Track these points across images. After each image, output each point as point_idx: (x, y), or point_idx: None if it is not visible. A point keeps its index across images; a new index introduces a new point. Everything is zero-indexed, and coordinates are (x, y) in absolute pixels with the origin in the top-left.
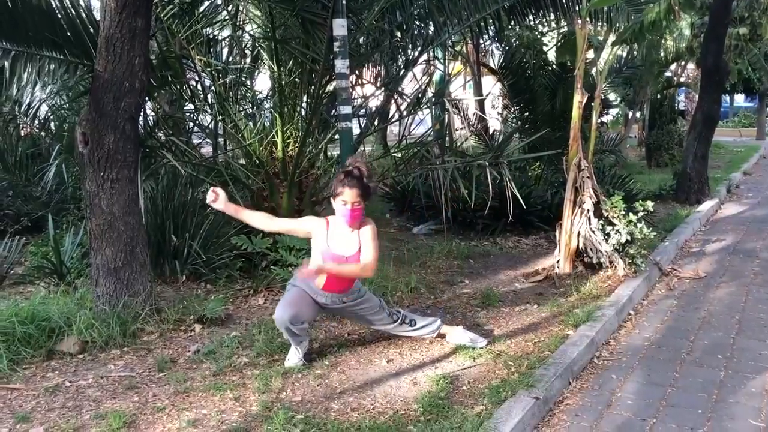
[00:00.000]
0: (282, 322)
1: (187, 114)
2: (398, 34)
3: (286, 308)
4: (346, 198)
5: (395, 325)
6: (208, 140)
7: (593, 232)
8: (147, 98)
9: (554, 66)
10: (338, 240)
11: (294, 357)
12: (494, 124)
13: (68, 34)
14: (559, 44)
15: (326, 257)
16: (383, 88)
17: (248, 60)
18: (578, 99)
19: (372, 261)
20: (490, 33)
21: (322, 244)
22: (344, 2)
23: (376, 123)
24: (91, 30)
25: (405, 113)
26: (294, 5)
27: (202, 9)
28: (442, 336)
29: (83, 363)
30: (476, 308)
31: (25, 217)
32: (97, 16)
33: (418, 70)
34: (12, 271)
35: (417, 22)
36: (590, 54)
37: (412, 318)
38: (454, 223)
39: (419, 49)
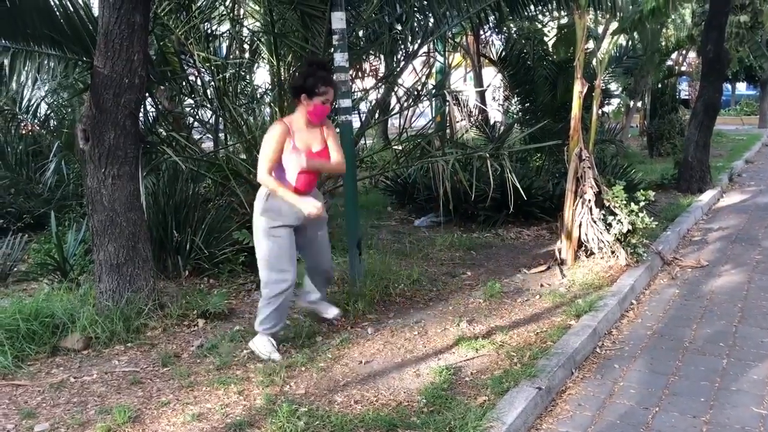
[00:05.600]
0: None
1: (187, 109)
2: (398, 26)
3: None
4: (329, 97)
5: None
6: (208, 135)
7: (595, 222)
8: (147, 94)
9: (554, 57)
10: (305, 138)
11: (268, 346)
12: (495, 115)
13: (67, 30)
14: (555, 38)
15: (307, 156)
16: (383, 81)
17: (247, 54)
18: (578, 89)
19: (342, 158)
20: (491, 24)
21: (298, 145)
22: None
23: (376, 116)
24: (90, 26)
25: (405, 106)
26: None
27: (199, 4)
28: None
29: (87, 359)
30: (478, 299)
31: (27, 214)
32: (96, 12)
33: (418, 62)
34: (15, 269)
35: (417, 15)
36: (590, 44)
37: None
38: (456, 215)
39: (419, 41)
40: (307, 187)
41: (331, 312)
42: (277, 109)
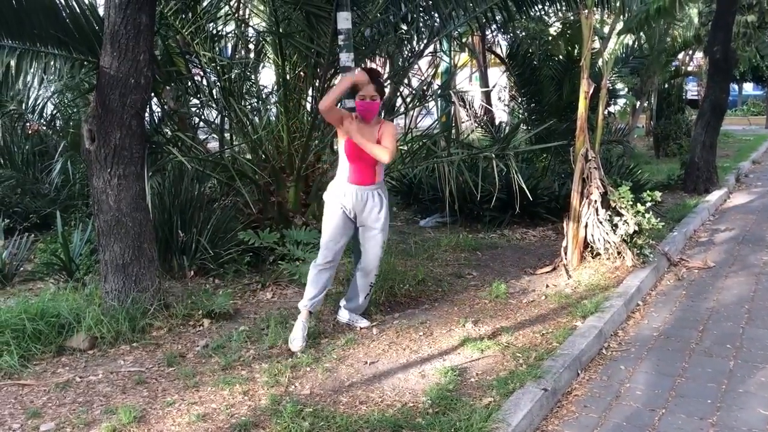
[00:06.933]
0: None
1: (193, 109)
2: (403, 26)
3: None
4: (364, 93)
5: (378, 260)
6: (214, 135)
7: (601, 222)
8: (152, 94)
9: (560, 56)
10: (363, 132)
11: (299, 337)
12: (501, 115)
13: (73, 31)
14: (556, 34)
15: (350, 146)
16: (388, 81)
17: (252, 54)
18: (585, 89)
19: (392, 149)
20: (497, 23)
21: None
22: None
23: (381, 116)
24: (96, 27)
25: (411, 106)
26: None
27: (204, 4)
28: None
29: (93, 359)
30: (484, 300)
31: (33, 214)
32: (102, 12)
33: (423, 62)
34: (21, 268)
35: (422, 14)
36: (596, 44)
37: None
38: (461, 216)
39: (425, 41)
40: (359, 177)
41: (363, 324)
42: (282, 109)
